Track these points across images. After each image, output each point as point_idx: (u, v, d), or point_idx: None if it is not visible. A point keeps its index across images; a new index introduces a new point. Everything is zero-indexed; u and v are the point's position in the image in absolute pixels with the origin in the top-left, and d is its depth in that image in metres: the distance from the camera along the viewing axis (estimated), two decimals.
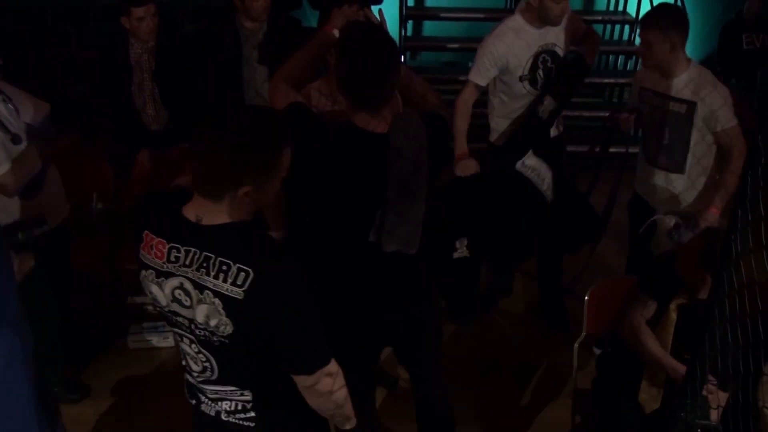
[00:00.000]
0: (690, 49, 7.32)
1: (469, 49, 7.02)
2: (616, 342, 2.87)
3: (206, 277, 1.72)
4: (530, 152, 3.53)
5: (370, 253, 2.26)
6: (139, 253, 1.84)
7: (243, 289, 1.68)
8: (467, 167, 3.56)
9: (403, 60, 6.23)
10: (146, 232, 1.82)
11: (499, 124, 3.82)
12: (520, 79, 3.63)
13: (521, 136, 3.71)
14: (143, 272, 1.84)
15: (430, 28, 7.53)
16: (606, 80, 6.81)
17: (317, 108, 2.67)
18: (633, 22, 6.70)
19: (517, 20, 3.61)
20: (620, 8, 7.13)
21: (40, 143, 2.90)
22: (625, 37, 6.98)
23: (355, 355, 2.48)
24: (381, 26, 2.42)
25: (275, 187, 1.78)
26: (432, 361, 2.70)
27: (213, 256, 1.72)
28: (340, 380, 1.85)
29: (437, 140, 2.28)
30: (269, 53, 3.89)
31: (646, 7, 6.43)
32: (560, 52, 3.67)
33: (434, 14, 7.19)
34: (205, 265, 1.73)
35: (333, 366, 1.81)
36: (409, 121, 2.21)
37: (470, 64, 7.59)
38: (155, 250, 1.80)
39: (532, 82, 3.66)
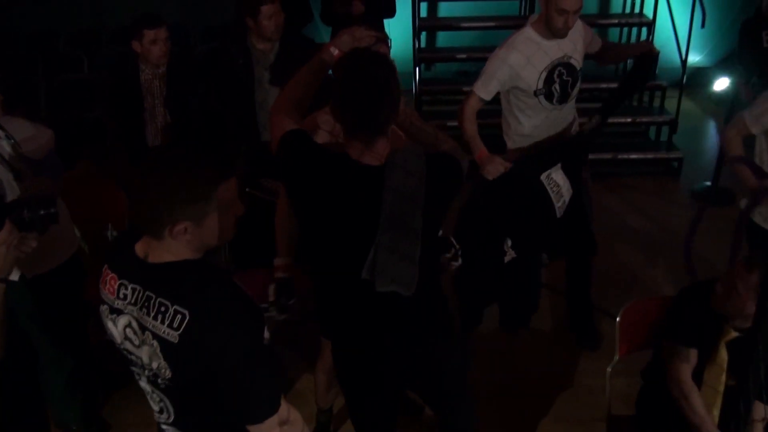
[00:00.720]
0: (709, 47, 7.31)
1: (483, 58, 6.96)
2: (660, 374, 2.75)
3: (147, 318, 1.68)
4: (559, 166, 3.44)
5: (366, 292, 2.11)
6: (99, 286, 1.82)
7: (178, 332, 1.62)
8: (494, 168, 3.43)
9: (417, 72, 6.15)
10: (105, 265, 1.81)
11: (516, 142, 3.70)
12: (535, 93, 3.52)
13: (558, 149, 3.58)
14: (101, 307, 1.82)
15: (443, 38, 7.44)
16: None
17: (333, 134, 2.57)
18: (650, 24, 6.56)
19: (528, 32, 3.49)
20: (636, 10, 7.00)
21: (46, 178, 2.85)
22: (643, 38, 6.85)
23: (369, 400, 2.40)
24: (383, 51, 2.30)
25: (223, 222, 1.73)
26: (456, 399, 2.55)
27: (153, 296, 1.68)
28: (297, 427, 1.77)
29: (442, 178, 2.16)
30: (281, 74, 3.81)
31: (663, 9, 6.34)
32: (576, 64, 3.57)
33: (448, 24, 7.10)
34: (146, 305, 1.69)
35: (285, 413, 1.73)
36: (408, 154, 2.10)
37: None
38: (108, 285, 1.78)
39: (548, 96, 3.54)
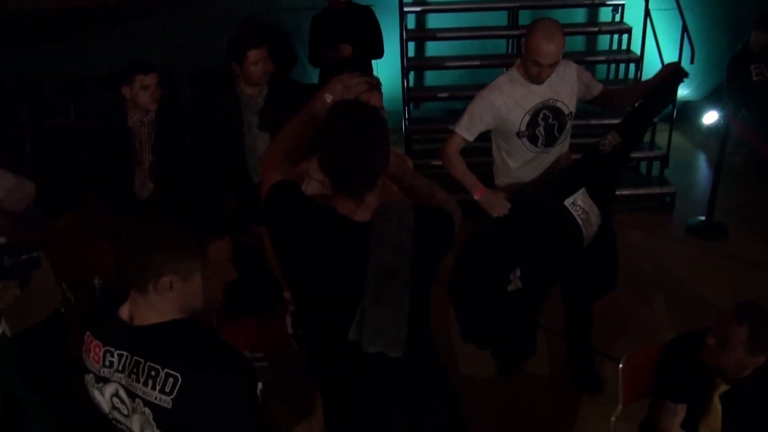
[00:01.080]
0: (698, 81, 7.33)
1: (472, 96, 6.95)
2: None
3: (136, 384, 1.60)
4: (583, 190, 3.35)
5: (354, 353, 2.00)
6: (82, 355, 1.74)
7: (171, 397, 1.55)
8: (500, 206, 3.38)
9: (406, 113, 6.12)
10: (87, 332, 1.73)
11: (504, 181, 3.62)
12: (518, 135, 3.44)
13: (576, 170, 3.48)
14: (86, 376, 1.74)
15: (432, 77, 7.44)
16: (615, 121, 6.65)
17: (324, 183, 2.49)
18: (638, 60, 6.58)
19: (513, 74, 3.44)
20: (624, 47, 7.02)
21: (26, 232, 2.77)
22: (631, 75, 6.86)
23: None
24: (376, 97, 2.23)
25: (212, 284, 1.68)
26: None
27: (142, 360, 1.61)
28: None
29: (432, 231, 2.08)
30: (271, 119, 3.79)
31: (650, 45, 6.35)
32: (564, 108, 3.45)
33: (436, 64, 7.10)
34: (135, 370, 1.61)
35: None
36: (397, 207, 2.03)
37: None
38: (92, 353, 1.71)
39: (532, 138, 3.45)
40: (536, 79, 3.32)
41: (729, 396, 2.53)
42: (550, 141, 3.48)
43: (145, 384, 1.59)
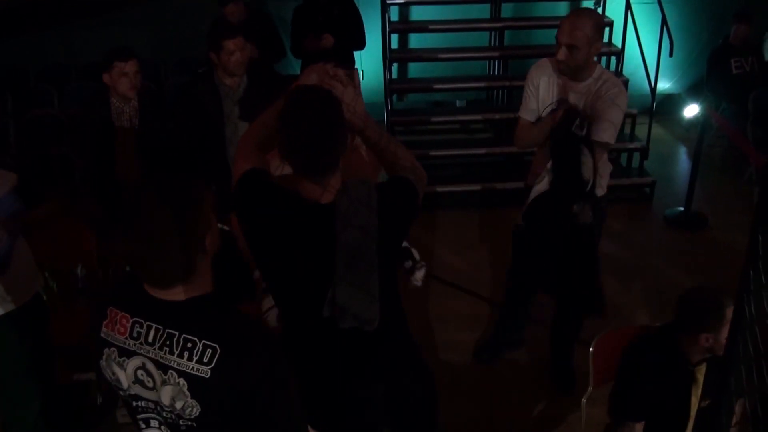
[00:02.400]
0: (678, 74, 7.41)
1: (454, 89, 7.05)
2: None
3: (170, 356, 1.64)
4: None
5: (329, 330, 2.11)
6: (100, 332, 1.76)
7: (210, 366, 1.60)
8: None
9: (388, 105, 6.16)
10: (110, 307, 1.75)
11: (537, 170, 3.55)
12: (540, 120, 3.42)
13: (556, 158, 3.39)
14: (105, 351, 1.75)
15: (415, 68, 7.49)
16: None
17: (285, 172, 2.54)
18: (619, 53, 6.64)
19: (551, 61, 3.39)
20: (605, 40, 7.08)
21: (5, 219, 2.80)
22: (612, 68, 6.92)
23: None
24: (351, 86, 2.27)
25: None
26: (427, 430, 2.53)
27: (176, 333, 1.65)
28: None
29: (394, 205, 2.13)
30: (250, 109, 3.81)
31: (631, 38, 6.42)
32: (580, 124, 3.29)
33: (418, 56, 7.13)
34: (168, 343, 1.65)
35: None
36: (356, 187, 2.07)
37: (458, 103, 7.61)
38: (119, 325, 1.73)
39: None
40: (561, 64, 3.24)
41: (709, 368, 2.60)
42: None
43: (180, 356, 1.63)
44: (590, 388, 2.89)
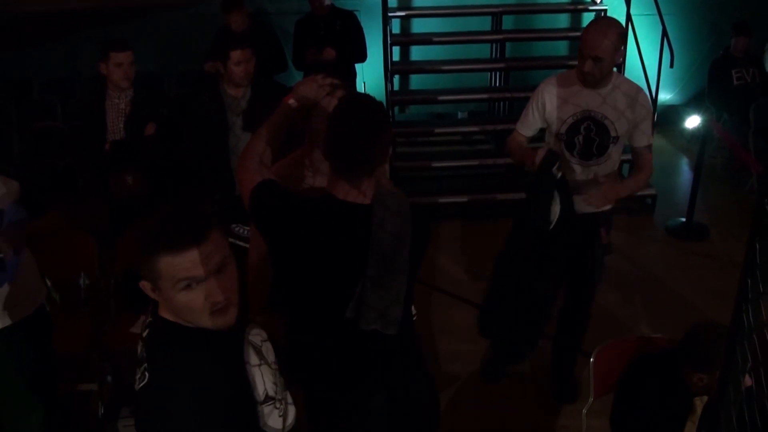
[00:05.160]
0: (680, 86, 7.43)
1: (455, 100, 7.07)
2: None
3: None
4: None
5: (346, 333, 2.16)
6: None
7: (137, 387, 1.68)
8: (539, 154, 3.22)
9: (391, 116, 6.19)
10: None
11: None
12: (557, 137, 3.33)
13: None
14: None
15: (416, 80, 7.51)
16: None
17: (299, 179, 2.56)
18: (619, 65, 6.63)
19: (569, 72, 3.33)
20: None
21: (10, 229, 2.81)
22: None
23: None
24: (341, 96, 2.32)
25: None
26: None
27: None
28: None
29: (421, 226, 2.24)
30: (254, 120, 3.82)
31: (632, 50, 6.43)
32: (611, 129, 3.25)
33: (419, 68, 7.16)
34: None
35: None
36: (393, 195, 2.15)
37: (459, 114, 7.62)
38: None
39: (569, 146, 3.31)
40: (585, 77, 3.18)
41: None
42: (586, 155, 3.33)
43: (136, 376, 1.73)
44: (591, 399, 2.89)
